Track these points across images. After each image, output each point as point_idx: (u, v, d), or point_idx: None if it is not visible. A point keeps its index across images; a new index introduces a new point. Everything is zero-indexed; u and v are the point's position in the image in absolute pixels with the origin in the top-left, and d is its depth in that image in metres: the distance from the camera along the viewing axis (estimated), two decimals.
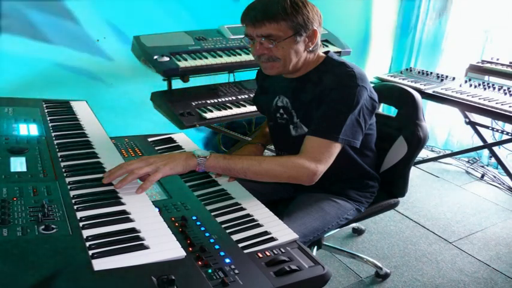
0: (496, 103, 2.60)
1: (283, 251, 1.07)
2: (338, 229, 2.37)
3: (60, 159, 1.34)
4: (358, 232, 2.50)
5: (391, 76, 3.22)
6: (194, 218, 1.17)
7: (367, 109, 1.43)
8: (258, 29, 1.37)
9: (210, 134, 3.39)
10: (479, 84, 2.91)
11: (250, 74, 2.86)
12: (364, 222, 2.43)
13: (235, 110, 2.30)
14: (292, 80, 1.53)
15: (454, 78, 3.07)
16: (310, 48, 1.44)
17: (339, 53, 2.73)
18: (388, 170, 1.77)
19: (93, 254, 0.91)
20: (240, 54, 2.52)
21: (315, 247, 1.83)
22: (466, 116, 3.19)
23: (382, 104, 2.13)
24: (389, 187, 1.79)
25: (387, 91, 1.84)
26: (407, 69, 3.35)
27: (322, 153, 1.36)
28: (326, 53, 1.54)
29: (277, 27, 1.35)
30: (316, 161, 1.35)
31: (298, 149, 1.41)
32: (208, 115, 2.19)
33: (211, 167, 1.29)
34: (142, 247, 0.96)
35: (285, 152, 1.63)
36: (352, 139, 1.39)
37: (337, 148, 1.39)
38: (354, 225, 2.47)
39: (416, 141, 1.69)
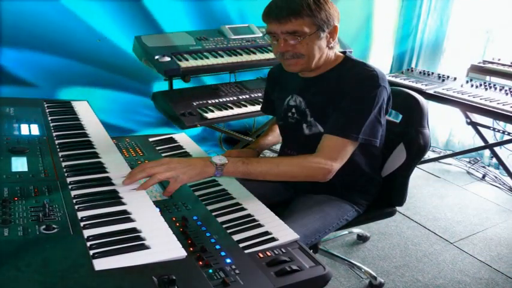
0: (497, 103, 2.59)
1: (284, 251, 1.07)
2: (341, 235, 2.40)
3: (61, 159, 1.35)
4: (363, 239, 2.47)
5: (393, 76, 3.22)
6: (195, 218, 1.17)
7: (385, 109, 1.47)
8: (283, 26, 1.37)
9: (211, 134, 3.39)
10: (480, 85, 2.91)
11: (251, 74, 2.87)
12: (366, 225, 2.42)
13: (236, 110, 2.30)
14: (308, 78, 1.54)
15: (455, 79, 3.07)
16: (331, 45, 1.46)
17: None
18: (388, 177, 1.74)
19: (94, 253, 0.91)
20: (241, 54, 2.52)
21: (311, 251, 1.82)
22: (467, 117, 3.18)
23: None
24: (388, 195, 1.76)
25: (393, 95, 1.82)
26: (408, 70, 3.35)
27: (339, 151, 1.39)
28: (343, 53, 1.54)
29: (303, 23, 1.36)
30: (332, 159, 1.38)
31: (310, 148, 1.43)
32: (210, 115, 2.20)
33: (230, 172, 1.29)
34: (143, 247, 0.96)
35: (294, 152, 1.63)
36: (372, 138, 1.42)
37: (354, 146, 1.43)
38: (358, 231, 2.46)
39: (416, 148, 1.64)
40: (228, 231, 1.13)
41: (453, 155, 3.50)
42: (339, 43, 2.79)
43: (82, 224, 1.01)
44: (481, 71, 3.08)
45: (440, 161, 3.57)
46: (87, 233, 0.98)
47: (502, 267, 2.27)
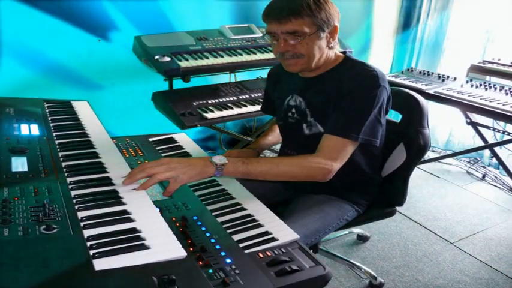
0: (497, 103, 2.59)
1: (284, 251, 1.07)
2: (341, 235, 2.40)
3: (61, 159, 1.35)
4: (363, 239, 2.47)
5: (393, 76, 3.22)
6: (195, 218, 1.17)
7: (385, 109, 1.47)
8: (283, 26, 1.38)
9: (211, 134, 3.39)
10: (480, 85, 2.91)
11: (251, 74, 2.87)
12: (366, 225, 2.42)
13: (236, 110, 2.30)
14: (308, 78, 1.54)
15: (455, 79, 3.07)
16: (331, 45, 1.46)
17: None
18: (388, 177, 1.74)
19: (94, 253, 0.91)
20: (241, 55, 2.52)
21: (311, 251, 1.82)
22: (467, 117, 3.18)
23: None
24: (388, 195, 1.76)
25: (393, 95, 1.82)
26: (408, 70, 3.35)
27: (339, 151, 1.39)
28: (343, 53, 1.54)
29: (302, 23, 1.37)
30: (332, 159, 1.38)
31: (310, 148, 1.43)
32: (210, 115, 2.19)
33: (229, 172, 1.29)
34: (143, 247, 0.96)
35: (294, 152, 1.63)
36: (372, 138, 1.42)
37: (354, 146, 1.43)
38: (358, 231, 2.46)
39: (416, 148, 1.64)
40: (228, 231, 1.13)
41: (453, 155, 3.50)
42: (339, 43, 2.80)
43: (82, 224, 1.01)
44: (481, 71, 3.07)
45: (440, 161, 3.57)
46: (87, 233, 0.98)
47: (502, 267, 2.27)
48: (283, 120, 1.64)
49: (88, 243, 0.94)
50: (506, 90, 2.78)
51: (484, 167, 3.52)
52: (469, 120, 3.19)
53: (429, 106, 1.74)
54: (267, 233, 1.14)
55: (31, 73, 2.53)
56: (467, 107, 2.79)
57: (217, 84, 2.56)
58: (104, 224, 1.03)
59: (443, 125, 3.77)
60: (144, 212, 1.10)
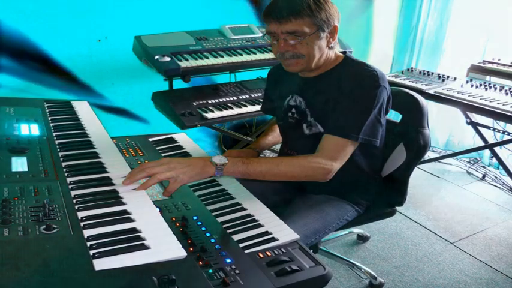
0: (498, 103, 2.59)
1: (284, 251, 1.07)
2: (341, 235, 2.40)
3: (61, 159, 1.35)
4: (363, 239, 2.47)
5: (393, 76, 3.22)
6: (195, 218, 1.18)
7: (385, 109, 1.47)
8: (283, 26, 1.38)
9: (210, 134, 3.39)
10: (480, 85, 2.91)
11: (251, 74, 2.87)
12: (366, 225, 2.42)
13: (236, 110, 2.30)
14: (308, 78, 1.54)
15: (455, 79, 3.07)
16: (331, 45, 1.46)
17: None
18: (388, 177, 1.74)
19: (94, 253, 0.91)
20: (241, 55, 2.52)
21: (311, 251, 1.82)
22: (467, 116, 3.18)
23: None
24: (388, 195, 1.76)
25: (393, 95, 1.81)
26: (408, 70, 3.35)
27: (339, 151, 1.40)
28: (343, 53, 1.54)
29: (302, 24, 1.37)
30: (332, 159, 1.38)
31: (310, 148, 1.43)
32: (210, 115, 2.19)
33: (230, 172, 1.29)
34: (143, 247, 0.96)
35: (294, 152, 1.63)
36: (372, 138, 1.42)
37: (354, 146, 1.43)
38: (358, 231, 2.46)
39: (416, 148, 1.64)
40: (228, 231, 1.13)
41: (453, 155, 3.50)
42: (339, 43, 2.79)
43: (82, 224, 1.01)
44: (481, 71, 3.07)
45: (440, 161, 3.57)
46: (87, 233, 0.98)
47: (502, 267, 2.27)
48: (283, 120, 1.64)
49: (88, 243, 0.94)
50: (506, 90, 2.78)
51: (484, 167, 3.52)
52: (469, 120, 3.19)
53: (429, 106, 1.74)
54: (267, 233, 1.14)
55: (31, 73, 2.53)
56: (467, 107, 2.78)
57: (217, 84, 2.56)
58: (104, 224, 1.03)
59: (443, 125, 3.77)
60: (144, 212, 1.10)
